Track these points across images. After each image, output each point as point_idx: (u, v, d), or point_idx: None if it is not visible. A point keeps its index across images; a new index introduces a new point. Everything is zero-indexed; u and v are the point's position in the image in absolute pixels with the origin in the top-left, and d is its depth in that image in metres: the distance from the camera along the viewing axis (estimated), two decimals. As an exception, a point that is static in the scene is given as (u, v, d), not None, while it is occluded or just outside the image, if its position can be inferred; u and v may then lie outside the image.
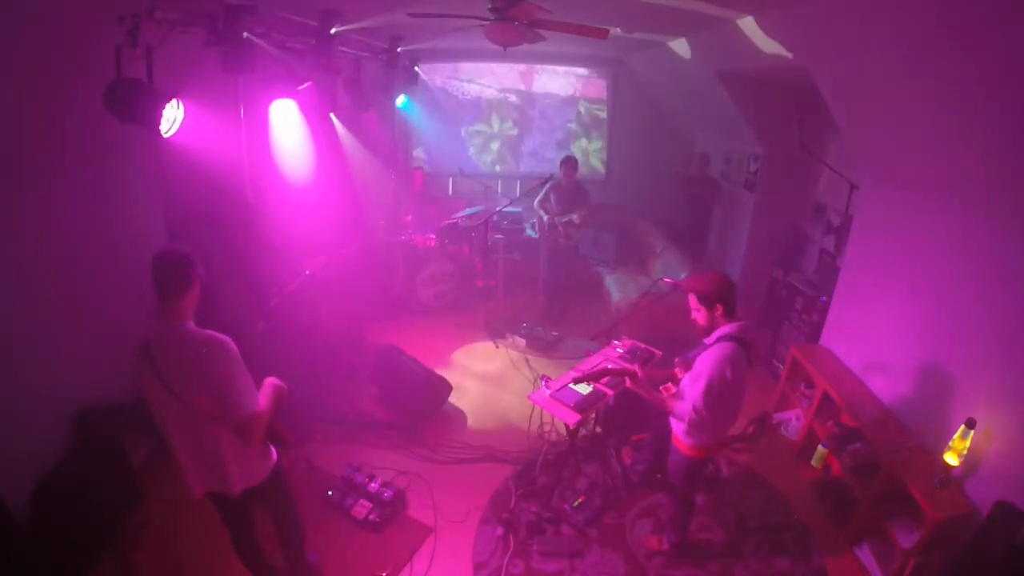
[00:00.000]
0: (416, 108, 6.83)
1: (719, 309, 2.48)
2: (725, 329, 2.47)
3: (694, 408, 2.42)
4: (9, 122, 2.31)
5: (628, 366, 3.07)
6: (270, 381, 2.23)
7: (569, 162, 5.45)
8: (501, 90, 7.33)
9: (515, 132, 7.57)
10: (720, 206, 6.29)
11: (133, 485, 3.17)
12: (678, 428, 2.69)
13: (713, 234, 6.43)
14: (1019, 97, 2.08)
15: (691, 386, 2.49)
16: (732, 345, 2.41)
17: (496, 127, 7.53)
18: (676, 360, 2.92)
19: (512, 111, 7.47)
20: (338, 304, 4.86)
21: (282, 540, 2.58)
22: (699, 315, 2.54)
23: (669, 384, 2.87)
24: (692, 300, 2.56)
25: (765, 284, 5.30)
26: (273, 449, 2.35)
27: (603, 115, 7.54)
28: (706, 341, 2.54)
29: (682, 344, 2.94)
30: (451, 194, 7.42)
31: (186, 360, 1.96)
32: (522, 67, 7.26)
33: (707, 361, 2.43)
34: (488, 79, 7.27)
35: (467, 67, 7.14)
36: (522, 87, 7.36)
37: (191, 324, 2.01)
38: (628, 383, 2.85)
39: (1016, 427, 2.52)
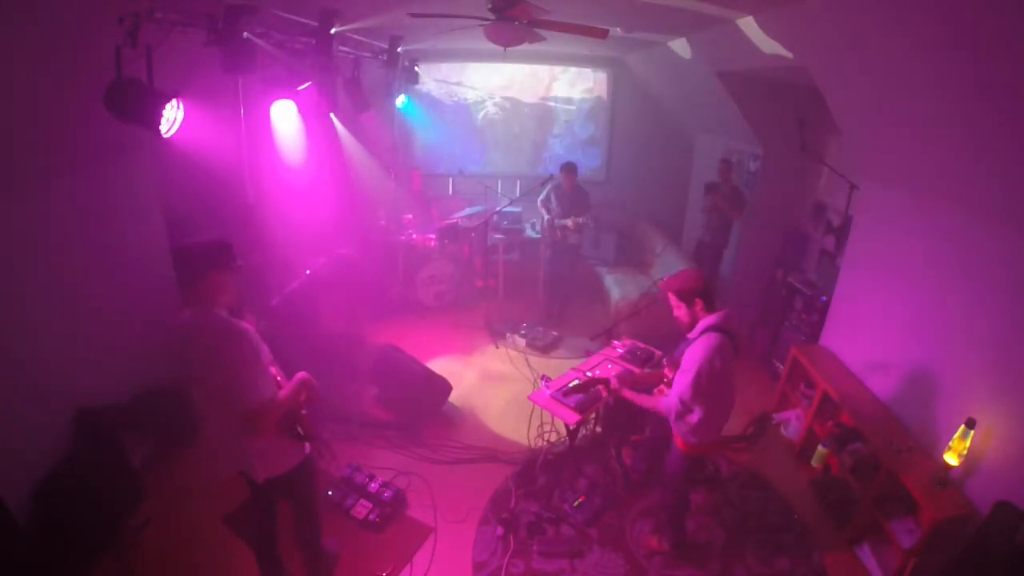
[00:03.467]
0: (416, 108, 6.83)
1: (699, 304, 2.54)
2: (708, 320, 2.51)
3: (680, 400, 2.45)
4: (9, 122, 2.31)
5: (602, 377, 3.08)
6: (299, 376, 2.24)
7: (568, 168, 5.47)
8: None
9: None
10: (742, 221, 5.57)
11: (133, 485, 3.17)
12: (678, 427, 2.70)
13: (730, 252, 5.76)
14: (1020, 97, 2.08)
15: (679, 379, 2.50)
16: (717, 335, 2.45)
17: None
18: (664, 360, 2.94)
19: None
20: (338, 304, 4.86)
21: (297, 533, 2.58)
22: (680, 312, 2.61)
23: (662, 387, 2.88)
24: (672, 299, 2.62)
25: (765, 284, 5.30)
26: (307, 445, 2.37)
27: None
28: (689, 336, 2.57)
29: (680, 342, 2.95)
30: (451, 194, 7.42)
31: (201, 344, 2.01)
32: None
33: (694, 353, 2.46)
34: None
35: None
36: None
37: (216, 311, 2.04)
38: (604, 393, 2.89)
39: (1016, 427, 2.52)
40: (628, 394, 2.78)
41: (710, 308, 2.55)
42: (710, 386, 2.42)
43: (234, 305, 2.17)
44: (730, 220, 5.58)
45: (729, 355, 2.47)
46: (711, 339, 2.44)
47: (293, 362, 2.41)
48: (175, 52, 2.31)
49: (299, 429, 2.27)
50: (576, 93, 7.36)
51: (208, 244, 2.08)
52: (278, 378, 2.28)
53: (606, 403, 3.40)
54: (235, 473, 2.29)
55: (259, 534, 2.54)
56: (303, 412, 2.28)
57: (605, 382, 2.92)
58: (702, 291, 2.54)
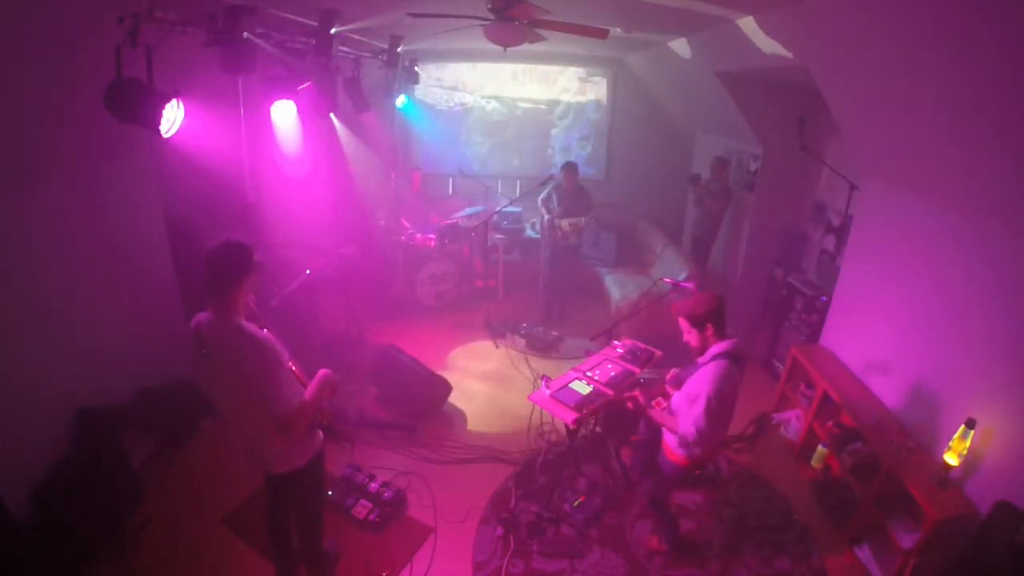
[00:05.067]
0: (416, 108, 6.83)
1: (709, 329, 2.52)
2: (718, 348, 2.49)
3: (697, 429, 2.44)
4: (9, 122, 2.31)
5: (627, 393, 3.07)
6: (321, 373, 2.27)
7: (569, 167, 5.47)
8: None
9: None
10: (738, 221, 5.75)
11: (133, 485, 3.17)
12: (671, 440, 2.70)
13: (729, 252, 5.96)
14: (1020, 97, 2.08)
15: (689, 406, 2.50)
16: (726, 363, 2.43)
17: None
18: (668, 377, 2.94)
19: None
20: (338, 304, 4.86)
21: (300, 528, 2.59)
22: (691, 337, 2.58)
23: (660, 399, 2.88)
24: (683, 323, 2.59)
25: (765, 284, 5.30)
26: (320, 435, 2.40)
27: None
28: (699, 361, 2.56)
29: (681, 344, 2.96)
30: (451, 194, 7.42)
31: (228, 353, 2.02)
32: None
33: (703, 381, 2.44)
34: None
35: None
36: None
37: (238, 319, 2.04)
38: (630, 406, 2.88)
39: (1016, 427, 2.52)
40: (654, 414, 2.77)
41: (721, 333, 2.53)
42: (719, 411, 2.43)
43: (250, 308, 2.18)
44: (715, 214, 5.63)
45: (736, 382, 2.46)
46: (720, 367, 2.42)
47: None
48: (175, 52, 2.31)
49: (323, 421, 2.34)
50: (575, 96, 7.36)
51: (235, 251, 2.03)
52: (293, 369, 2.29)
53: (606, 403, 3.39)
54: (249, 468, 2.35)
55: (275, 530, 2.56)
56: (325, 405, 2.33)
57: (633, 399, 2.89)
58: (714, 316, 2.50)
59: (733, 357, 2.45)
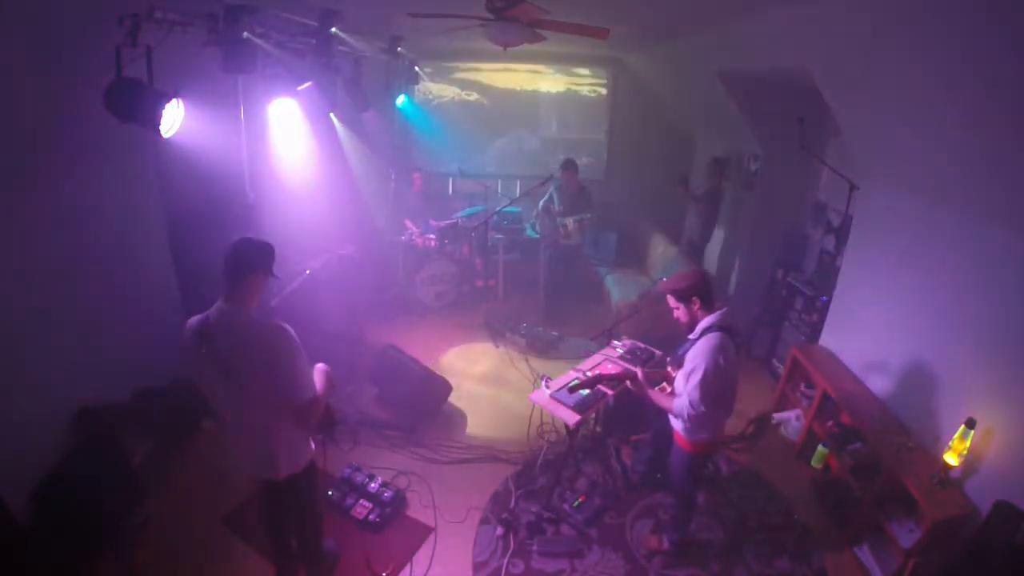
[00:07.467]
0: (416, 108, 6.83)
1: (696, 303, 2.55)
2: (708, 320, 2.52)
3: (691, 403, 2.45)
4: (9, 122, 2.31)
5: (629, 368, 3.06)
6: (320, 367, 2.29)
7: (568, 166, 5.44)
8: None
9: None
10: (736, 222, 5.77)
11: (133, 484, 3.17)
12: (679, 426, 2.70)
13: (719, 247, 5.97)
14: (1019, 98, 2.08)
15: (686, 382, 2.50)
16: (718, 334, 2.45)
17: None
18: (668, 359, 2.94)
19: None
20: (338, 304, 4.86)
21: (300, 529, 2.58)
22: (679, 312, 2.61)
23: (664, 384, 2.88)
24: (670, 300, 2.63)
25: (765, 284, 5.30)
26: (314, 443, 2.41)
27: None
28: (690, 336, 2.57)
29: (680, 343, 2.96)
30: (451, 194, 7.42)
31: (248, 346, 2.00)
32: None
33: (697, 354, 2.46)
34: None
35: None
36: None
37: (253, 311, 2.05)
38: (629, 385, 2.87)
39: (1016, 427, 2.52)
40: (652, 394, 2.75)
41: (708, 306, 2.55)
42: (714, 385, 2.43)
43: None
44: (704, 218, 5.58)
45: (731, 352, 2.47)
46: (712, 339, 2.44)
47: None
48: (175, 52, 2.31)
49: (331, 415, 2.36)
50: (574, 95, 7.35)
51: (260, 244, 2.09)
52: None
53: (606, 403, 3.39)
54: (252, 475, 2.31)
55: (274, 532, 2.55)
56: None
57: (632, 375, 2.86)
58: (698, 289, 2.54)
59: (724, 328, 2.47)
